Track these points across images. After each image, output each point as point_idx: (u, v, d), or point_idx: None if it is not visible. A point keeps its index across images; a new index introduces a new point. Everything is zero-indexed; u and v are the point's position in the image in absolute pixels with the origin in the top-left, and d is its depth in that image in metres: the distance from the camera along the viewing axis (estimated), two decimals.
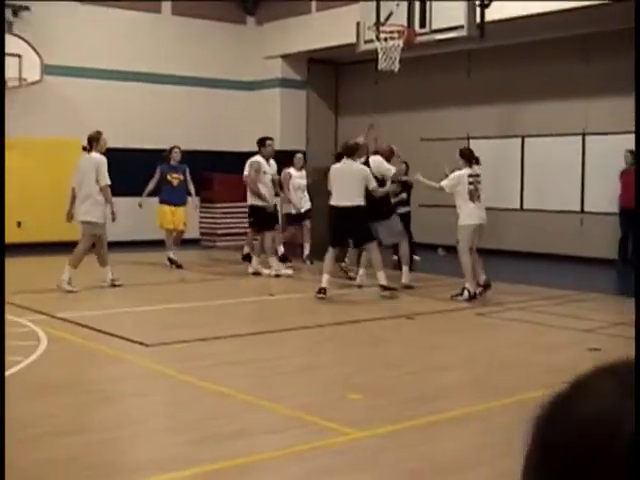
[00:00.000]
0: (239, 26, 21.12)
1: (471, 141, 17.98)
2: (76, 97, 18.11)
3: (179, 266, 14.52)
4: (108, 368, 7.41)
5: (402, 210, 14.25)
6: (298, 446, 5.13)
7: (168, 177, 14.83)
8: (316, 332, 9.23)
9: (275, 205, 14.28)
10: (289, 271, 13.74)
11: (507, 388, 6.68)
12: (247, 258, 14.39)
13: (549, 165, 17.07)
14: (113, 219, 12.03)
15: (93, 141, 12.35)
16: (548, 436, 0.87)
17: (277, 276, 13.40)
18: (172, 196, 14.76)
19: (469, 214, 11.31)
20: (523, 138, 17.70)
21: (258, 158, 13.85)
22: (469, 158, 11.50)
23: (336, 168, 11.77)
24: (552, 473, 0.84)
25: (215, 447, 5.11)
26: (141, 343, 8.21)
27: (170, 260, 14.68)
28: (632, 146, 15.24)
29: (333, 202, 11.55)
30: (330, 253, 11.49)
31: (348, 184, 11.36)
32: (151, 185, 14.79)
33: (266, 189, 13.81)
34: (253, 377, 7.03)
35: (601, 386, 0.87)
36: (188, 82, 20.04)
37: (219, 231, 19.51)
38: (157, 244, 15.43)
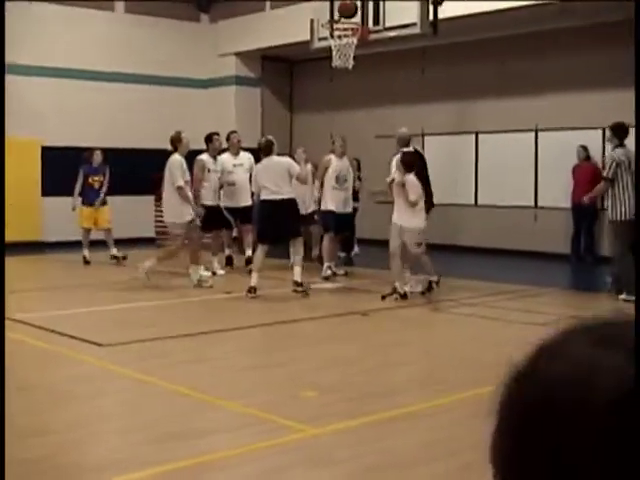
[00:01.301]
0: (193, 24, 21.04)
1: (425, 137, 18.11)
2: (33, 96, 17.91)
3: (125, 259, 14.99)
4: (65, 369, 7.36)
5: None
6: (255, 444, 5.14)
7: (90, 179, 15.14)
8: (271, 330, 9.24)
9: (217, 205, 13.80)
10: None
11: (462, 383, 6.74)
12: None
13: (503, 161, 17.22)
14: (193, 219, 12.14)
15: (175, 142, 12.56)
16: (517, 399, 0.84)
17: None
18: (93, 197, 15.14)
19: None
20: (477, 134, 17.84)
21: (203, 156, 13.74)
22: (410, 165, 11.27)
23: (261, 165, 11.87)
24: (523, 436, 0.81)
25: (173, 446, 5.11)
26: (96, 343, 8.17)
27: (84, 257, 15.00)
28: (583, 141, 15.45)
29: (265, 196, 11.66)
30: (260, 250, 11.53)
31: (275, 177, 11.55)
32: (78, 188, 15.12)
33: (211, 188, 13.63)
34: (209, 376, 7.02)
35: (572, 342, 0.81)
36: (142, 80, 19.93)
37: None
38: (116, 243, 15.33)
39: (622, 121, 11.44)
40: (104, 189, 15.34)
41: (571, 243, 15.40)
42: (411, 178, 11.08)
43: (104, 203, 15.32)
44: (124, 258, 14.99)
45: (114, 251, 15.12)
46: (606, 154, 11.55)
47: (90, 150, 15.35)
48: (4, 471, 3.90)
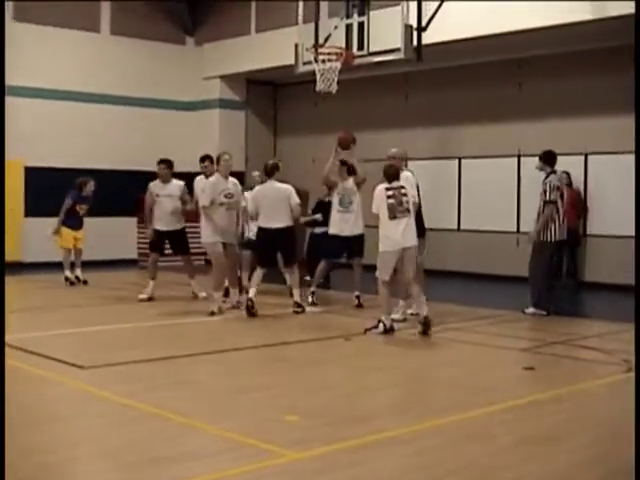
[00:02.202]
0: (178, 46, 21.11)
1: (408, 162, 18.15)
2: (16, 116, 17.89)
3: (85, 282, 15.18)
4: (45, 391, 7.31)
5: (318, 231, 14.81)
6: (235, 469, 5.12)
7: (77, 207, 15.24)
8: (252, 353, 9.22)
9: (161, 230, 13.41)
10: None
11: (442, 409, 6.74)
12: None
13: (485, 186, 17.31)
14: (217, 241, 11.86)
15: (212, 162, 12.60)
16: None
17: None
18: (77, 223, 15.33)
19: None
20: (460, 160, 17.93)
21: (155, 181, 13.62)
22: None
23: (260, 189, 12.02)
24: None
25: (152, 471, 5.08)
26: (77, 365, 8.13)
27: (66, 278, 15.15)
28: (565, 167, 15.53)
29: (263, 224, 11.80)
30: (260, 271, 11.83)
31: (273, 203, 11.73)
32: (62, 215, 15.20)
33: (160, 213, 13.39)
34: (190, 399, 6.99)
35: None
36: (126, 102, 19.96)
37: None
38: (95, 264, 15.30)
39: (550, 149, 12.43)
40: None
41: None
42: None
43: (82, 227, 15.51)
44: (85, 282, 15.15)
45: (78, 272, 15.27)
46: (545, 180, 12.04)
47: (84, 180, 15.31)
48: (4, 471, 3.87)
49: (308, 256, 15.96)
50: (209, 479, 4.98)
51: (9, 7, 17.79)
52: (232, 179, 11.97)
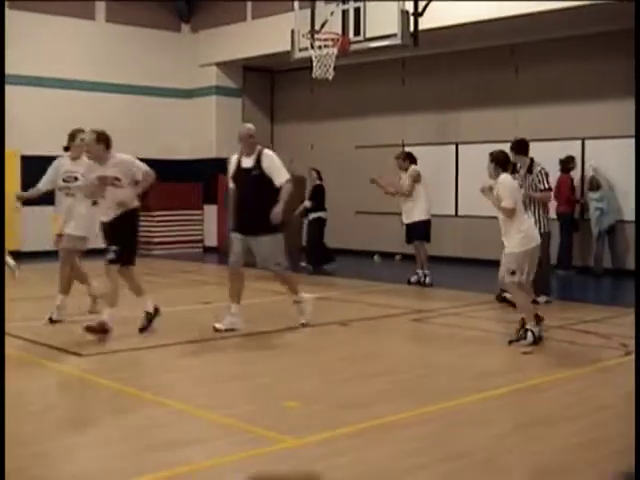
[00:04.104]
0: (174, 33, 21.04)
1: (406, 148, 18.15)
2: (12, 105, 17.80)
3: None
4: (43, 379, 7.30)
5: (311, 217, 15.04)
6: (235, 454, 5.12)
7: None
8: (250, 340, 9.21)
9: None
10: None
11: (441, 394, 6.74)
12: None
13: (483, 172, 17.20)
14: None
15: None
16: None
17: None
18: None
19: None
20: (457, 145, 17.89)
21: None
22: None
23: None
24: None
25: (151, 457, 5.07)
26: (76, 353, 8.12)
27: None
28: (562, 153, 15.50)
29: None
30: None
31: None
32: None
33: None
34: (188, 386, 6.99)
35: None
36: (123, 90, 19.90)
37: (155, 239, 19.39)
38: (95, 252, 15.23)
39: (522, 137, 11.93)
40: None
41: (558, 254, 15.35)
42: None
43: None
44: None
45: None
46: (536, 169, 11.32)
47: None
48: (4, 471, 3.87)
49: (309, 244, 15.97)
50: (209, 465, 4.97)
51: None
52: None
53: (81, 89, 19.25)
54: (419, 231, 13.74)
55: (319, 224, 15.74)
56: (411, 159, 13.91)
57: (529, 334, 8.70)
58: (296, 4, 13.83)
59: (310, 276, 14.62)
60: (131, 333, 9.32)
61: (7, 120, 17.19)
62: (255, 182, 9.32)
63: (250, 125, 9.86)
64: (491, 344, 9.00)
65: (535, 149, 15.86)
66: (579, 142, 15.91)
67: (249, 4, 19.84)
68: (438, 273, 14.18)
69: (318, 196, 15.75)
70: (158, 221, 19.39)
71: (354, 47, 13.37)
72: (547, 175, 11.40)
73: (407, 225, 13.87)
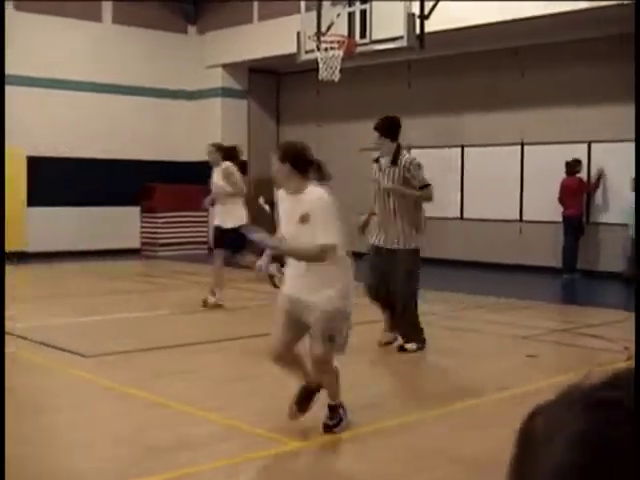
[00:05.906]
0: (180, 35, 21.06)
1: (412, 150, 18.13)
2: (18, 106, 17.86)
3: None
4: (47, 380, 7.32)
5: None
6: (238, 457, 5.12)
7: None
8: (253, 342, 9.19)
9: None
10: None
11: (445, 397, 6.73)
12: None
13: (488, 174, 17.27)
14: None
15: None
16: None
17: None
18: None
19: None
20: (463, 148, 17.89)
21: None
22: None
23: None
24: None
25: (153, 459, 5.08)
26: (81, 354, 8.14)
27: None
28: (568, 156, 15.48)
29: None
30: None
31: None
32: None
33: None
34: (192, 388, 6.99)
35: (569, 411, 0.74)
36: (128, 91, 19.92)
37: (160, 241, 19.41)
38: (97, 254, 15.29)
39: (392, 115, 9.24)
40: None
41: (562, 256, 15.34)
42: None
43: None
44: None
45: None
46: (405, 161, 8.69)
47: None
48: (4, 471, 3.88)
49: None
50: (213, 467, 4.98)
51: None
52: None
53: (86, 90, 19.26)
54: None
55: None
56: None
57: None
58: (302, 6, 13.83)
59: None
60: (135, 334, 9.34)
61: (13, 121, 17.31)
62: None
63: None
64: (495, 347, 8.99)
65: (541, 152, 15.87)
66: (585, 145, 15.89)
67: (255, 5, 19.86)
68: (442, 276, 14.17)
69: None
70: (163, 222, 19.41)
71: (360, 49, 13.37)
72: (420, 167, 8.69)
73: None
